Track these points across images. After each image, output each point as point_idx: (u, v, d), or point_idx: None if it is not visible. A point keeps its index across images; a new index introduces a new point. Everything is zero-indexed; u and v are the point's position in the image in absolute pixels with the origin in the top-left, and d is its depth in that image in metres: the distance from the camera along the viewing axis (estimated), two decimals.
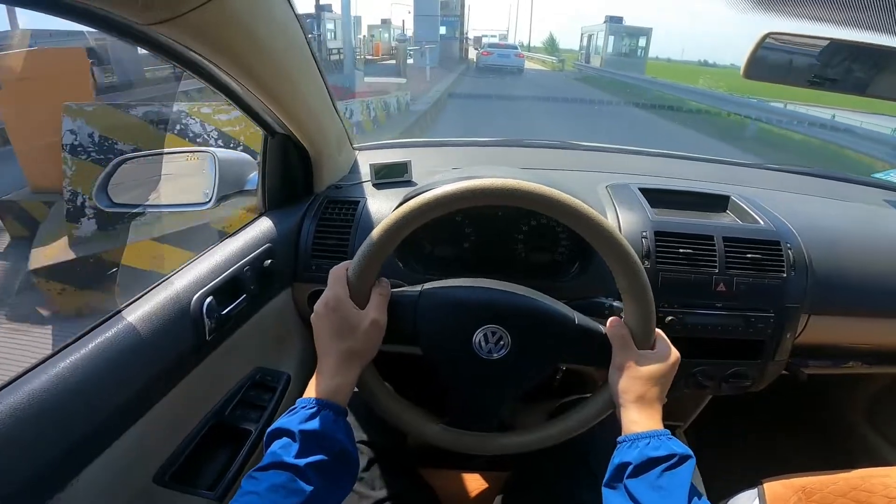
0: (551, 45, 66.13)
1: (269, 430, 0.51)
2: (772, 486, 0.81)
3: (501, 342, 0.59)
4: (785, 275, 0.85)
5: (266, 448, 0.50)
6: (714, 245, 0.85)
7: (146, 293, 0.67)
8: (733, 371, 0.88)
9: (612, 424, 0.65)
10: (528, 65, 25.33)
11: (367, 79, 12.63)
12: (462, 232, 0.89)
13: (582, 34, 30.23)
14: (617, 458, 0.53)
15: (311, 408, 0.51)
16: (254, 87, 0.67)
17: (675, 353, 0.59)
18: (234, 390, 0.76)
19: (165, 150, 0.90)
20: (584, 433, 0.63)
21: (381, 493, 0.72)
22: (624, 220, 0.89)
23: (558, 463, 0.76)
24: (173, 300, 0.66)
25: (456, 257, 0.90)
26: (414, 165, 1.00)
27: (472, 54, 29.79)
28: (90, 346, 0.56)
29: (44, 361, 0.53)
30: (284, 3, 0.63)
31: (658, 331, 0.60)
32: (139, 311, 0.63)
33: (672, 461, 0.50)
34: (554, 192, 0.54)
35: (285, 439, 0.49)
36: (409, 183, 0.99)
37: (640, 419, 0.55)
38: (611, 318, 0.60)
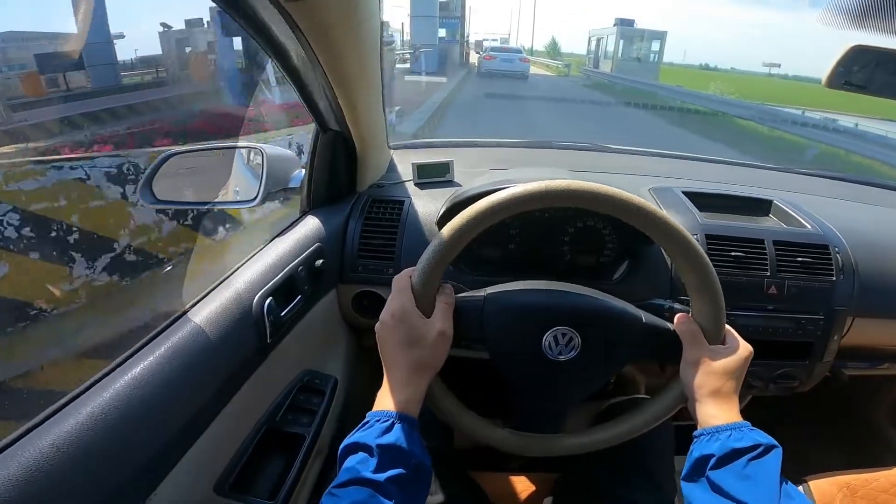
0: (553, 49, 66.47)
1: (343, 444, 0.53)
2: (817, 484, 0.85)
3: (571, 343, 0.62)
4: (834, 278, 0.90)
5: (341, 463, 0.52)
6: (765, 248, 0.90)
7: (208, 293, 0.69)
8: (782, 372, 0.93)
9: (667, 425, 0.68)
10: (531, 69, 24.65)
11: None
12: (508, 233, 0.94)
13: (589, 38, 29.71)
14: (696, 452, 0.55)
15: (385, 421, 0.53)
16: (334, 79, 0.72)
17: (747, 347, 0.62)
18: (284, 394, 0.78)
19: (213, 144, 0.94)
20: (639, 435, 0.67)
21: (438, 499, 0.74)
22: None
23: (609, 464, 0.80)
24: (236, 301, 0.68)
25: (501, 258, 0.94)
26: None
27: (474, 58, 29.41)
28: (162, 349, 0.57)
29: (120, 365, 0.55)
30: (377, 4, 0.70)
31: (727, 326, 0.63)
32: (204, 314, 0.64)
33: (758, 451, 0.52)
34: (622, 193, 0.57)
35: (362, 454, 0.51)
36: (450, 183, 1.04)
37: (719, 412, 0.57)
38: (678, 315, 0.63)
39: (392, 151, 1.20)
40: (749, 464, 0.51)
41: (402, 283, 0.60)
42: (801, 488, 0.86)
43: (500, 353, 0.64)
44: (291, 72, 0.71)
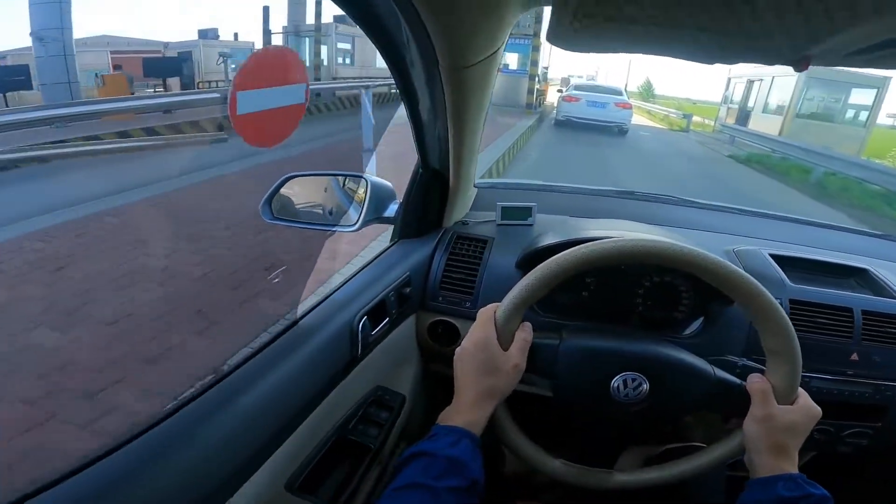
0: (647, 91, 66.80)
1: (409, 451, 0.71)
2: None
3: (639, 388, 0.81)
4: None
5: (399, 468, 0.69)
6: (852, 317, 1.14)
7: (316, 306, 0.97)
8: (852, 432, 1.17)
9: (719, 475, 0.88)
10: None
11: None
12: (583, 280, 1.21)
13: (730, 80, 23.86)
14: (747, 498, 0.72)
15: (452, 435, 0.71)
16: (452, 115, 1.03)
17: (816, 409, 0.79)
18: (357, 406, 1.01)
19: (326, 171, 1.36)
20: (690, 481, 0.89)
21: None
22: None
23: None
24: (339, 318, 0.95)
25: (574, 304, 1.22)
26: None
27: (553, 99, 24.30)
28: (274, 356, 0.81)
29: (235, 370, 0.76)
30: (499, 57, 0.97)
31: (800, 388, 0.80)
32: (313, 325, 0.90)
33: (809, 501, 0.67)
34: (703, 254, 0.77)
35: (426, 460, 0.68)
36: (531, 227, 1.40)
37: (775, 464, 0.73)
38: (752, 374, 0.82)
39: (476, 189, 1.58)
40: None
41: (487, 316, 0.82)
42: None
43: (568, 390, 0.87)
44: (415, 112, 1.05)
